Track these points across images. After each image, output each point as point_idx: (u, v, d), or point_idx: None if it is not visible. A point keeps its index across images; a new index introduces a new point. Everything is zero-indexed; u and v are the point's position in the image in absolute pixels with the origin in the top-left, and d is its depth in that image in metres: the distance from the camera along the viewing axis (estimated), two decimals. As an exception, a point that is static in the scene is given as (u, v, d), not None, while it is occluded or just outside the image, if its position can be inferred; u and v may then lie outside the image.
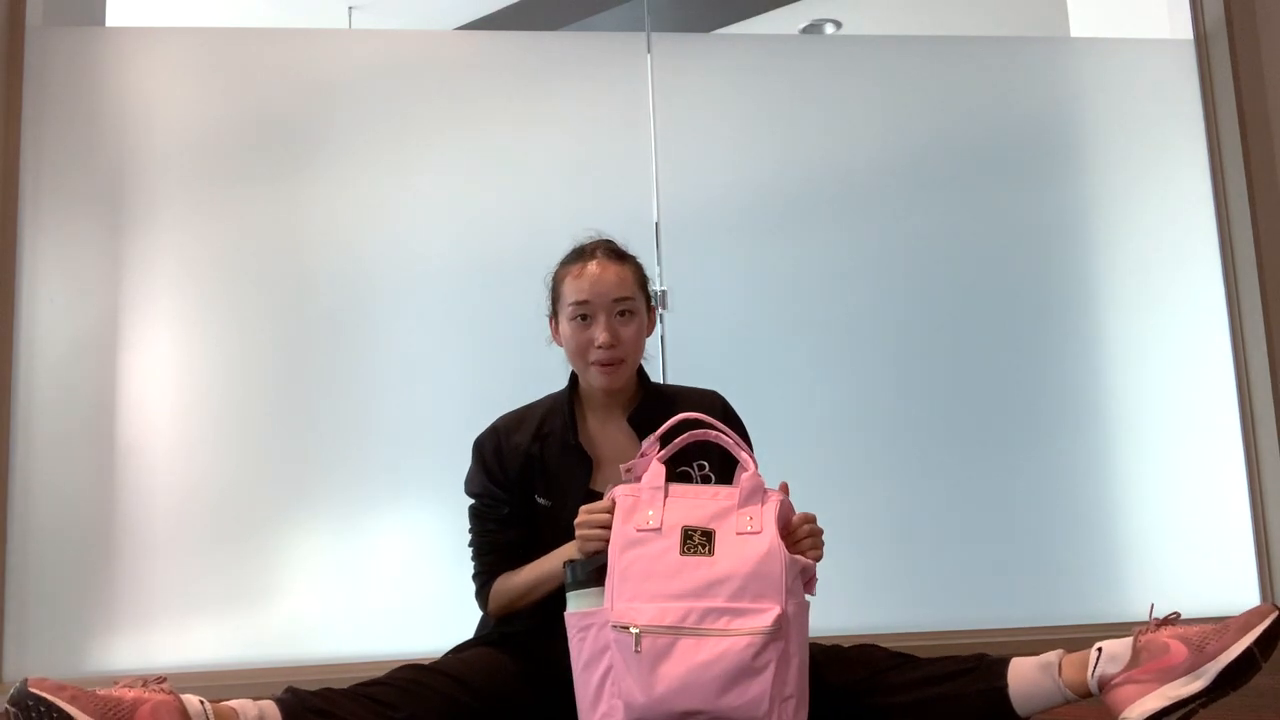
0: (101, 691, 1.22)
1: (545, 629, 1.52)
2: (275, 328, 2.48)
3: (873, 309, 2.63)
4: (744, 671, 1.28)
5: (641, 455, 1.52)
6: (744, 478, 1.43)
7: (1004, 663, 1.44)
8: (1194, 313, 2.70)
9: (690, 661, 1.28)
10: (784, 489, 1.46)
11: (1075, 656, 1.40)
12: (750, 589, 1.32)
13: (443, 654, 1.61)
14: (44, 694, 1.18)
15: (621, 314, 1.61)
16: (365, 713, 1.38)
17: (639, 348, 1.65)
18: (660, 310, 2.53)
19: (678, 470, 1.57)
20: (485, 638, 1.64)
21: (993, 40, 2.83)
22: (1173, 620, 1.37)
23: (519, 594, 1.58)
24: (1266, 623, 1.29)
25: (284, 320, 2.49)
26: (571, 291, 1.61)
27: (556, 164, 2.59)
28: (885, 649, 1.53)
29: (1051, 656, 1.42)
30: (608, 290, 1.60)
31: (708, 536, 1.37)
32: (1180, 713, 1.30)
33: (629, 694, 1.30)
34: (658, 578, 1.34)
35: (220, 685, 2.01)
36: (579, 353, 1.62)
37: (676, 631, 1.30)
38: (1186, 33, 2.82)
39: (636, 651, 1.30)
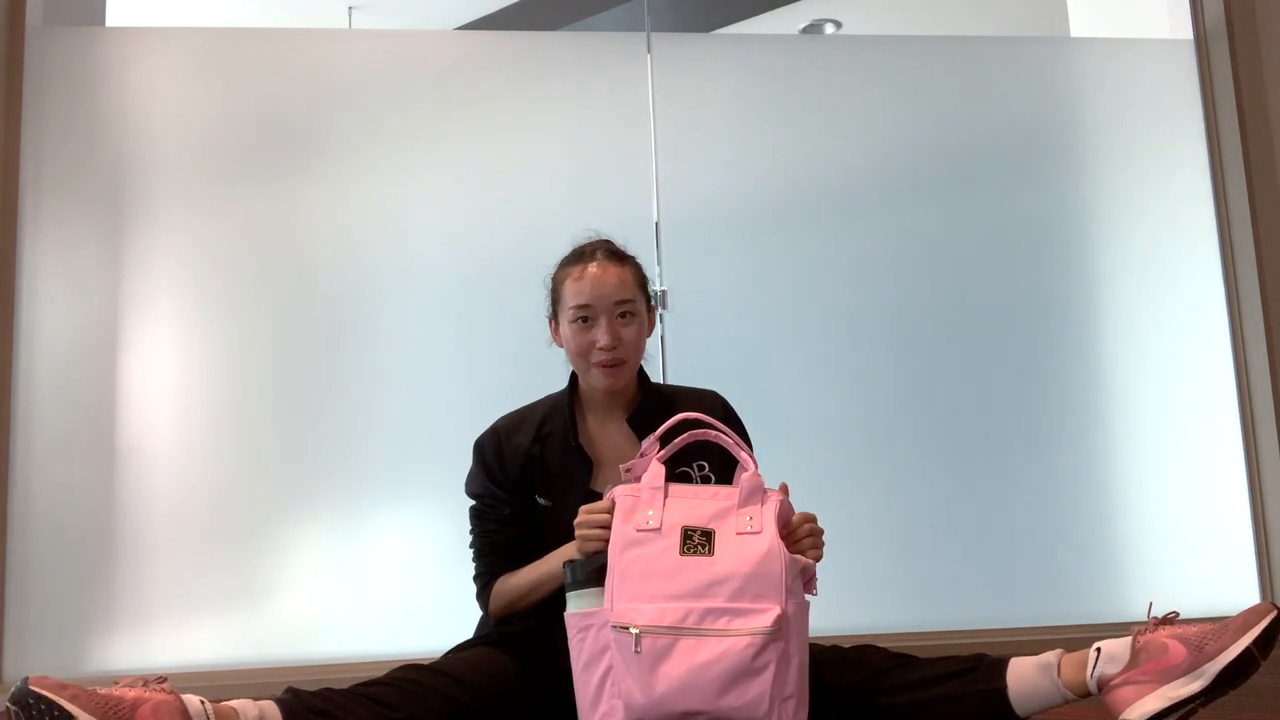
0: (102, 691, 1.22)
1: (545, 629, 1.52)
2: (275, 328, 2.49)
3: (873, 308, 2.63)
4: (744, 672, 1.27)
5: (641, 455, 1.52)
6: (744, 478, 1.43)
7: (1003, 663, 1.44)
8: (1194, 313, 2.70)
9: (690, 662, 1.28)
10: (784, 489, 1.46)
11: (1074, 657, 1.40)
12: (750, 589, 1.32)
13: (443, 654, 1.61)
14: (45, 693, 1.18)
15: (622, 315, 1.61)
16: (365, 713, 1.38)
17: (640, 348, 1.66)
18: (660, 310, 2.53)
19: (677, 470, 1.57)
20: (485, 638, 1.64)
21: (992, 40, 2.83)
22: (1171, 619, 1.37)
23: (519, 594, 1.58)
24: (1265, 622, 1.29)
25: (284, 320, 2.49)
26: (572, 294, 1.61)
27: (556, 164, 2.60)
28: (885, 649, 1.53)
29: (1050, 657, 1.42)
30: (608, 292, 1.60)
31: (707, 536, 1.37)
32: (1180, 713, 1.29)
33: (629, 694, 1.30)
34: (657, 578, 1.34)
35: (220, 685, 2.02)
36: (580, 354, 1.62)
37: (676, 632, 1.30)
38: (1186, 33, 2.82)
39: (636, 652, 1.29)
